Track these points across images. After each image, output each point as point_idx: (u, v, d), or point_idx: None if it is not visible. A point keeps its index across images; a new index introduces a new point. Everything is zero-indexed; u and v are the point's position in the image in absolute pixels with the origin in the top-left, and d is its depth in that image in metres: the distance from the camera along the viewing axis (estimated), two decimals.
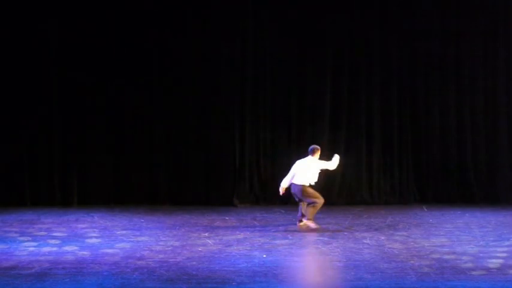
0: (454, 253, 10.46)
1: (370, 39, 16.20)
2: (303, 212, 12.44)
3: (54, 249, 10.80)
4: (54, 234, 12.12)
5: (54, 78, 15.75)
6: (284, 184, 12.57)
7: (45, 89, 15.75)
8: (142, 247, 10.96)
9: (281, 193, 12.70)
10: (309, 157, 12.68)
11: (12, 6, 15.57)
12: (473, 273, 9.24)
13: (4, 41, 15.58)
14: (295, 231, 12.45)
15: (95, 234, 12.05)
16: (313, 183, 12.61)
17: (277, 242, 11.42)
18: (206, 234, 12.10)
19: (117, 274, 9.17)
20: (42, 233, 12.25)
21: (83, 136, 15.89)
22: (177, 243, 11.25)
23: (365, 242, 11.39)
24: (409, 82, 16.33)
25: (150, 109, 16.02)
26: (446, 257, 10.20)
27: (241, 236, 11.94)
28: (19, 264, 9.76)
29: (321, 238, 11.71)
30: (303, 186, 12.41)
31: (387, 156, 16.33)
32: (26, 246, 10.99)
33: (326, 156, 16.20)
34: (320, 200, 12.39)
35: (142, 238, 11.75)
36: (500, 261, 9.90)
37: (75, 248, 10.89)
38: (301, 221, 12.46)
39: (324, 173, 16.20)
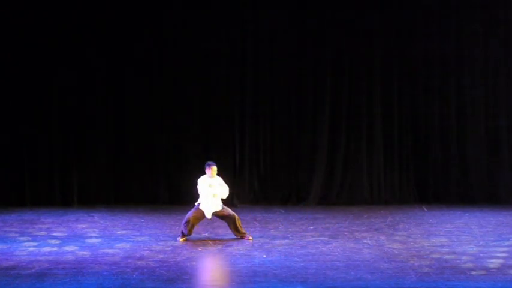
0: (454, 253, 10.46)
1: (370, 39, 16.19)
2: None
3: (54, 249, 10.80)
4: (54, 234, 12.12)
5: (54, 77, 15.74)
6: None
7: (45, 89, 15.74)
8: (142, 247, 10.96)
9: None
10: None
11: (11, 5, 15.56)
12: (473, 273, 9.25)
13: (3, 41, 15.58)
14: (295, 231, 12.45)
15: (95, 234, 12.05)
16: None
17: (277, 242, 11.42)
18: (206, 234, 12.11)
19: (117, 274, 9.17)
20: (42, 233, 12.25)
21: (83, 136, 15.89)
22: (177, 243, 11.25)
23: (365, 242, 11.39)
24: (409, 82, 16.33)
25: (149, 109, 16.02)
26: (446, 257, 10.20)
27: None
28: (19, 264, 9.76)
29: (321, 238, 11.71)
30: None
31: (387, 156, 16.33)
32: (26, 246, 10.99)
33: (325, 158, 16.31)
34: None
35: (142, 238, 11.75)
36: (500, 261, 9.90)
37: (75, 248, 10.89)
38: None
39: (324, 173, 16.30)
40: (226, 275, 9.69)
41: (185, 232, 11.48)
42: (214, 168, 11.69)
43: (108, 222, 13.44)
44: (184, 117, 16.04)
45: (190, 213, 11.54)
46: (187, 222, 11.46)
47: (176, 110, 16.05)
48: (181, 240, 11.45)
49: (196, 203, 11.68)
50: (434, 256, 10.25)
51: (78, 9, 15.73)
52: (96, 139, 15.93)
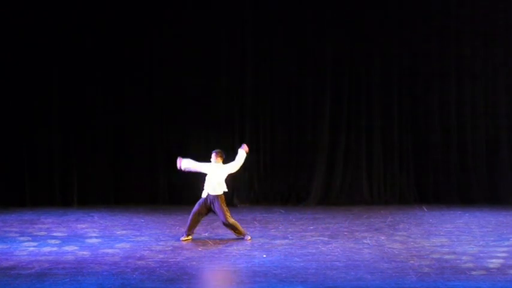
0: (454, 253, 10.47)
1: (370, 39, 16.20)
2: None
3: (54, 249, 10.81)
4: (54, 234, 12.13)
5: (54, 78, 15.75)
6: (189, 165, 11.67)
7: (45, 89, 15.75)
8: (142, 247, 10.96)
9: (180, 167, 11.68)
10: (214, 162, 11.68)
11: (11, 5, 15.57)
12: (473, 273, 9.25)
13: (3, 41, 15.58)
14: (295, 231, 12.45)
15: (95, 234, 12.06)
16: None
17: (277, 242, 11.42)
18: (206, 234, 12.11)
19: (117, 274, 9.17)
20: (42, 233, 12.25)
21: (82, 136, 15.90)
22: (177, 243, 11.25)
23: (365, 242, 11.39)
24: (409, 82, 16.34)
25: (149, 109, 16.03)
26: (446, 257, 10.21)
27: None
28: (19, 264, 9.76)
29: (321, 238, 11.71)
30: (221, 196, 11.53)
31: (387, 156, 16.33)
32: (26, 246, 11.00)
33: (325, 158, 16.32)
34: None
35: (142, 238, 11.75)
36: (500, 261, 9.91)
37: (75, 248, 10.89)
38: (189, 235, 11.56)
39: (324, 173, 16.30)
40: (226, 277, 9.69)
41: (186, 233, 11.52)
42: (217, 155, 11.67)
43: (108, 222, 13.44)
44: (184, 117, 16.05)
45: (193, 212, 11.49)
46: (190, 222, 11.47)
47: (176, 110, 16.05)
48: (183, 239, 11.45)
49: (202, 196, 11.57)
50: (434, 256, 10.26)
51: (78, 9, 15.74)
52: (96, 139, 15.93)
